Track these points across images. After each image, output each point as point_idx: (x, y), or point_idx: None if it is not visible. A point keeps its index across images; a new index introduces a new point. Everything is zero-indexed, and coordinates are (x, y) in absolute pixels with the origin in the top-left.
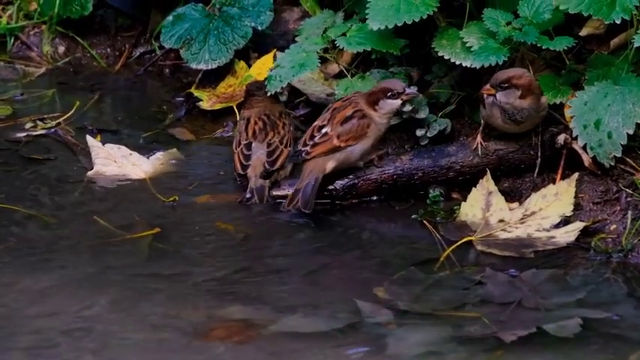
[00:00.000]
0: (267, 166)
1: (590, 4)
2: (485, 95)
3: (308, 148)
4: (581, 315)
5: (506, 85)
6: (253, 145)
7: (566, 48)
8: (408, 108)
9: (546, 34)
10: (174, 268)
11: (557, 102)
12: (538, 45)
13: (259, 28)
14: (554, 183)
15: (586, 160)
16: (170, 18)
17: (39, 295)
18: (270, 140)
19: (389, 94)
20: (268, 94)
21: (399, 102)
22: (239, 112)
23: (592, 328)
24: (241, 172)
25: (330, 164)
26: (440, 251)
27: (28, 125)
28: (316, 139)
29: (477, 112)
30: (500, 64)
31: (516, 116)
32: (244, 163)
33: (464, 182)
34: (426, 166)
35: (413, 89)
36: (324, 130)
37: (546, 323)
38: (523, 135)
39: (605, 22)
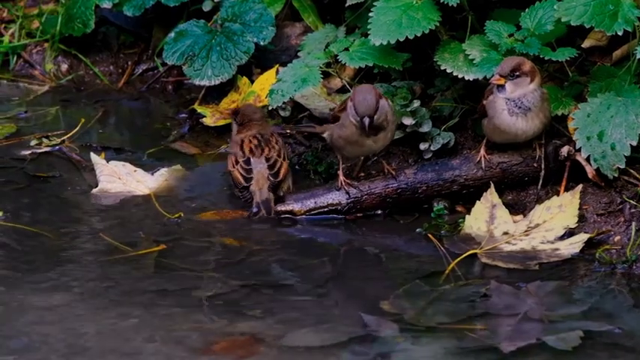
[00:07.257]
0: (271, 178)
1: (592, 15)
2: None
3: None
4: (584, 327)
5: (517, 73)
6: (252, 160)
7: (568, 58)
8: (410, 122)
9: (549, 45)
10: (180, 284)
11: (560, 114)
12: (541, 56)
13: (261, 43)
14: (558, 195)
15: (590, 171)
16: (172, 34)
17: (45, 312)
18: (267, 155)
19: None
20: (269, 108)
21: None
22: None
23: (594, 340)
24: (245, 185)
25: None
26: (445, 264)
27: (33, 143)
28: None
29: (479, 125)
30: None
31: (523, 101)
32: (246, 175)
33: (468, 195)
34: (429, 179)
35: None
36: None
37: (548, 335)
38: (526, 146)
39: (608, 34)
